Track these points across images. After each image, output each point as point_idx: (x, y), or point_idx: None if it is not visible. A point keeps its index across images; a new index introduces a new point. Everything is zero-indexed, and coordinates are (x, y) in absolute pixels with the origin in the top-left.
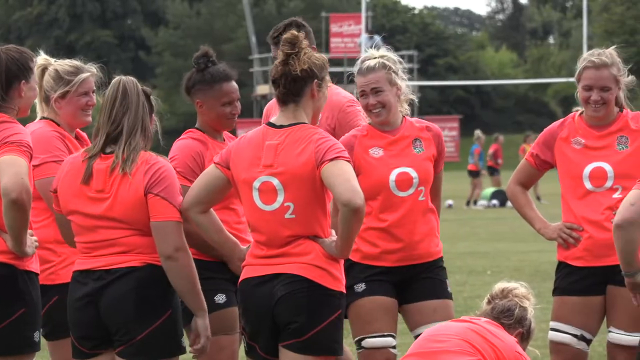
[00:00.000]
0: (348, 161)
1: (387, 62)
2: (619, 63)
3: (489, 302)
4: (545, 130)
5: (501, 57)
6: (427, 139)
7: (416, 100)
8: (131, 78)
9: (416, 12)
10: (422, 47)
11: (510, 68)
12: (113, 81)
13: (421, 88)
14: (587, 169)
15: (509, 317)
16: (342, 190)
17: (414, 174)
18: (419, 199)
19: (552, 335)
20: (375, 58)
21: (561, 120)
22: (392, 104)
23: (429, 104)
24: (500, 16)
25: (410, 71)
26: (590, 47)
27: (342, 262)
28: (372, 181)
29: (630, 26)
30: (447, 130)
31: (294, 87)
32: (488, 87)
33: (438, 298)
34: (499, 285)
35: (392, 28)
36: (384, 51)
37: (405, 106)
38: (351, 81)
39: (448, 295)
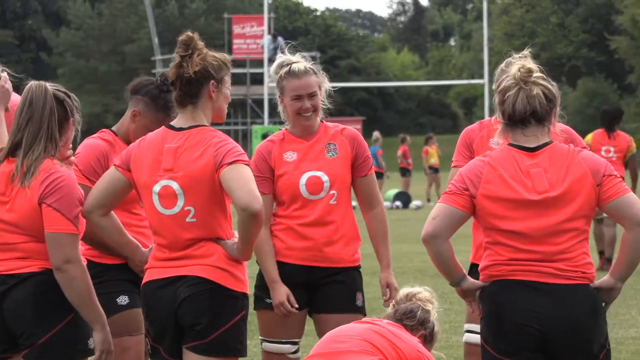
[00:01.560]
0: (247, 165)
1: (312, 67)
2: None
3: (393, 306)
4: (461, 135)
5: (403, 59)
6: (341, 142)
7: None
8: (42, 84)
9: (318, 13)
10: (325, 49)
11: (412, 70)
12: (26, 87)
13: None
14: None
15: (412, 319)
16: (241, 195)
17: (324, 177)
18: (331, 203)
19: (468, 337)
20: (300, 62)
21: (478, 122)
22: (320, 108)
23: (332, 106)
24: (402, 18)
25: None
26: (490, 50)
27: (245, 263)
28: (283, 184)
29: (529, 29)
30: None
31: (189, 89)
32: (390, 88)
33: (343, 312)
34: (404, 291)
35: (295, 30)
36: (299, 57)
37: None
38: (254, 82)
39: (356, 309)
